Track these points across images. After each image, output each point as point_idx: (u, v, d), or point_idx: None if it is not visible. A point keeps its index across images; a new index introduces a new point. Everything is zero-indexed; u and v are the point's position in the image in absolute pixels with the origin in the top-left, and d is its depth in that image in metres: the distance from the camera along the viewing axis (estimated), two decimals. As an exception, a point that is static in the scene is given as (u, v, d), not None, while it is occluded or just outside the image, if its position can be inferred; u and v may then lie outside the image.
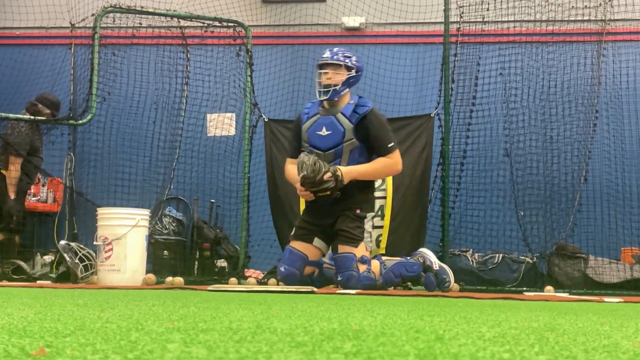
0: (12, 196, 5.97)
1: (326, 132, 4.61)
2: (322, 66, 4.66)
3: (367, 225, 4.69)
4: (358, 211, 4.64)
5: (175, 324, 1.52)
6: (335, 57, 4.64)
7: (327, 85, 4.57)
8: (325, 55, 4.67)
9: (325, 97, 4.58)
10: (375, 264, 4.63)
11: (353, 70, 4.66)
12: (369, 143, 4.60)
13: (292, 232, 4.81)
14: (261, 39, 7.51)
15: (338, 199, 4.60)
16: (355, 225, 4.60)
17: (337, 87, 4.56)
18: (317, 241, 4.71)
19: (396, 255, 5.72)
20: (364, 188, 4.70)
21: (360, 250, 4.59)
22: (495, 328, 1.60)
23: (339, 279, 4.51)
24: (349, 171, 4.48)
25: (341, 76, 4.59)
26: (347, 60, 4.65)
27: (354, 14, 7.56)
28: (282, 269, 4.63)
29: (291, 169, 4.81)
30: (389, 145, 4.56)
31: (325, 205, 4.64)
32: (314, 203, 4.69)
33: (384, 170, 4.65)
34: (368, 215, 4.69)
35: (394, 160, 4.60)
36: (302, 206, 5.04)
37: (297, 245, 4.70)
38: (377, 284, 4.56)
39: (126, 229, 5.19)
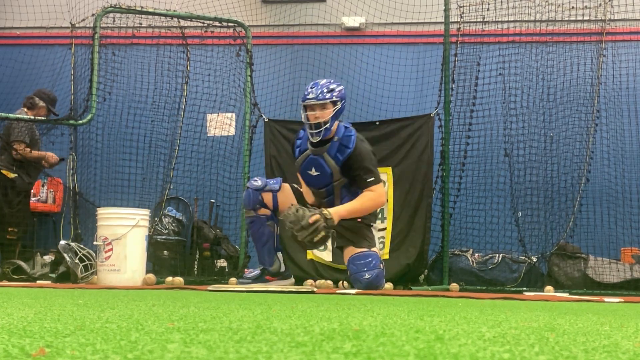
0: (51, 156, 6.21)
1: (315, 173, 4.68)
2: (308, 106, 4.62)
3: (376, 238, 4.88)
4: (359, 220, 4.68)
5: (175, 324, 1.52)
6: (320, 96, 4.58)
7: (317, 125, 4.55)
8: (310, 96, 4.60)
9: (319, 138, 4.59)
10: None
11: (339, 103, 4.63)
12: (351, 180, 4.64)
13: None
14: (261, 39, 7.51)
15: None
16: (366, 230, 4.72)
17: (328, 125, 4.56)
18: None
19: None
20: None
21: (376, 251, 4.73)
22: (495, 328, 1.60)
23: (367, 277, 4.50)
24: (336, 212, 4.45)
25: (328, 112, 4.57)
26: (331, 96, 4.60)
27: (354, 14, 7.56)
28: (255, 182, 4.77)
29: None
30: (368, 181, 4.54)
31: None
32: None
33: (371, 204, 4.59)
34: (372, 226, 4.82)
35: (376, 193, 4.58)
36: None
37: (288, 193, 4.81)
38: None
39: (126, 229, 5.19)
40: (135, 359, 0.95)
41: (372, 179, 4.55)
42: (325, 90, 4.60)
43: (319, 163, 4.64)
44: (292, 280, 5.11)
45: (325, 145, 4.63)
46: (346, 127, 4.69)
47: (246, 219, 4.98)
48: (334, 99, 4.59)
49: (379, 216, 5.90)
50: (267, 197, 4.76)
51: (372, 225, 4.79)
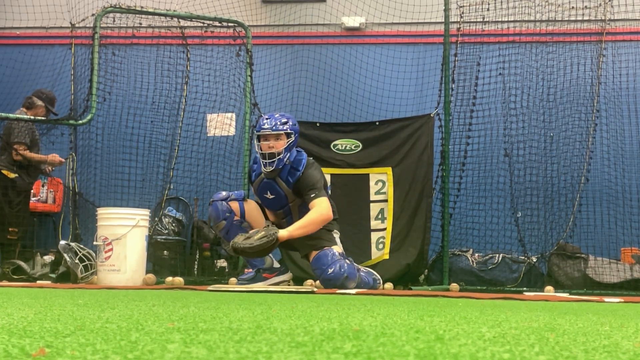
0: (51, 156, 6.16)
1: (271, 196, 4.88)
2: (262, 136, 4.80)
3: (338, 240, 4.89)
4: (321, 227, 4.81)
5: (175, 324, 1.52)
6: (275, 127, 4.77)
7: (270, 155, 4.74)
8: (265, 126, 4.79)
9: (271, 168, 4.77)
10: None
11: (292, 135, 4.83)
12: (300, 198, 4.82)
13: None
14: (261, 39, 7.51)
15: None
16: (325, 232, 4.82)
17: (281, 156, 4.75)
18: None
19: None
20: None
21: (339, 249, 4.77)
22: (495, 328, 1.60)
23: (330, 271, 4.55)
24: (285, 236, 4.58)
25: (282, 143, 4.77)
26: (286, 128, 4.80)
27: (354, 14, 7.56)
28: (219, 195, 5.00)
29: None
30: (311, 196, 4.71)
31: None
32: None
33: (319, 219, 4.70)
34: (334, 232, 4.89)
35: (320, 207, 4.69)
36: None
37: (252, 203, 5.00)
38: (357, 278, 4.71)
39: (126, 229, 5.19)
40: (135, 359, 0.95)
41: (314, 194, 4.71)
42: (279, 123, 4.80)
43: (273, 186, 4.85)
44: (290, 273, 5.15)
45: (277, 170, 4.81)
46: (298, 151, 4.92)
47: (220, 233, 5.08)
48: (288, 130, 4.80)
49: (379, 216, 5.91)
50: (234, 205, 4.99)
51: (332, 231, 4.88)
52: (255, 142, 4.87)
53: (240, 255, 5.07)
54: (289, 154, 4.81)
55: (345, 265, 4.62)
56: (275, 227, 4.64)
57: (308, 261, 4.86)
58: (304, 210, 4.81)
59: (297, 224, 4.68)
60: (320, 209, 4.69)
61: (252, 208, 5.02)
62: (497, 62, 6.58)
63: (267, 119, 4.86)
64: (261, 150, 4.77)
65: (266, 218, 5.01)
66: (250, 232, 4.63)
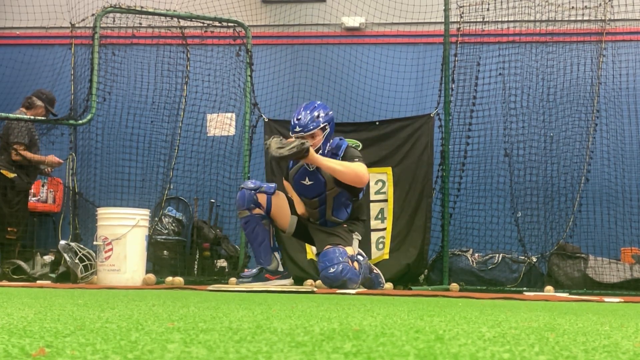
0: (52, 158, 6.20)
1: (309, 182, 4.77)
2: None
3: (355, 242, 4.82)
4: (345, 226, 4.80)
5: (175, 324, 1.52)
6: (307, 128, 4.66)
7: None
8: (297, 129, 4.67)
9: (313, 168, 4.71)
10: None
11: (327, 126, 4.72)
12: (343, 186, 4.72)
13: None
14: (261, 39, 7.51)
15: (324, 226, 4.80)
16: (346, 232, 4.77)
17: (321, 151, 4.68)
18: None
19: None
20: (352, 217, 4.88)
21: (351, 251, 4.69)
22: (495, 328, 1.60)
23: (331, 270, 4.47)
24: (313, 154, 4.51)
25: (319, 137, 4.69)
26: (318, 124, 4.68)
27: (354, 14, 7.56)
28: (250, 184, 4.86)
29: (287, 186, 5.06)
30: (354, 159, 4.67)
31: (311, 228, 4.86)
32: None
33: (351, 173, 4.62)
34: (355, 233, 4.84)
35: (362, 167, 4.66)
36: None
37: (281, 198, 4.86)
38: (359, 281, 4.66)
39: (126, 229, 5.19)
40: (135, 359, 0.95)
41: (357, 159, 4.67)
42: (310, 121, 4.67)
43: (313, 172, 4.74)
44: (292, 280, 5.12)
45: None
46: (340, 139, 4.85)
47: (240, 220, 5.00)
48: (321, 125, 4.69)
49: (379, 216, 5.91)
50: (262, 198, 4.84)
51: (353, 232, 4.83)
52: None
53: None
54: (329, 143, 4.75)
55: (348, 267, 4.53)
56: (308, 143, 4.51)
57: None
58: (339, 200, 4.75)
59: (332, 160, 4.60)
60: (361, 167, 4.63)
61: (279, 204, 4.86)
62: (497, 62, 6.58)
63: (297, 118, 4.72)
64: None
65: (293, 213, 4.90)
66: (285, 141, 4.47)
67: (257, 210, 4.84)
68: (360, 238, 4.89)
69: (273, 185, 4.95)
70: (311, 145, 4.54)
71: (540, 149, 6.47)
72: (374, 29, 7.64)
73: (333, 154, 4.71)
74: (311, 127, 4.65)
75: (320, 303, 2.72)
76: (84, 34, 7.08)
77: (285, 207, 4.89)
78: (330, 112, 4.81)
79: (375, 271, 5.10)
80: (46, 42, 7.75)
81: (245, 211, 4.84)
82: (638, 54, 6.91)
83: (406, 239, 5.83)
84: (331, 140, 4.79)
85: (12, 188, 6.03)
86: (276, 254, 5.00)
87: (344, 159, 4.69)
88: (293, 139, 4.54)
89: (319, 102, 4.90)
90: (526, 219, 6.30)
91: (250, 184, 4.89)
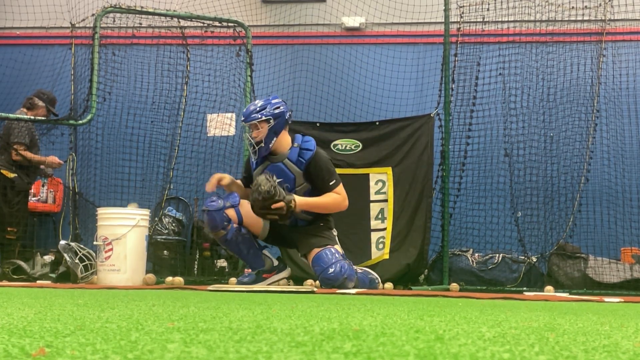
0: (50, 159, 6.18)
1: (278, 180, 4.71)
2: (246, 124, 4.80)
3: (337, 238, 4.86)
4: (322, 224, 4.81)
5: (175, 324, 1.52)
6: (249, 118, 4.71)
7: (257, 142, 4.71)
8: (242, 119, 4.79)
9: (257, 158, 4.75)
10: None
11: (272, 120, 4.70)
12: (313, 184, 4.76)
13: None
14: (261, 39, 7.51)
15: (297, 226, 4.82)
16: (325, 230, 4.80)
17: (263, 144, 4.70)
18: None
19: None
20: (322, 215, 4.88)
21: (340, 249, 4.74)
22: (495, 328, 1.60)
23: (330, 271, 4.50)
24: (301, 203, 4.63)
25: (263, 130, 4.69)
26: (260, 116, 4.69)
27: (354, 14, 7.56)
28: (213, 205, 4.77)
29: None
30: (331, 183, 4.72)
31: (286, 230, 4.86)
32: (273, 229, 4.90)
33: (334, 204, 4.75)
34: (334, 230, 4.87)
35: (341, 196, 4.76)
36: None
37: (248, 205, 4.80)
38: (355, 279, 4.68)
39: (126, 229, 5.19)
40: (135, 359, 0.95)
41: (334, 181, 4.73)
42: (254, 111, 4.72)
43: (280, 169, 4.74)
44: (289, 270, 5.13)
45: (281, 153, 4.74)
46: (304, 135, 4.88)
47: (219, 240, 4.95)
48: (264, 118, 4.68)
49: (379, 216, 5.91)
50: (231, 213, 4.80)
51: (332, 229, 4.86)
52: (245, 133, 4.87)
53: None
54: (275, 139, 4.71)
55: (346, 265, 4.60)
56: (292, 195, 4.58)
57: (307, 259, 4.83)
58: (308, 196, 4.75)
59: (312, 201, 4.67)
60: (341, 199, 4.74)
61: (248, 210, 4.83)
62: (497, 62, 6.58)
63: (246, 108, 4.84)
64: (249, 137, 4.75)
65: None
66: (273, 191, 4.47)
67: (229, 226, 4.82)
68: (336, 234, 4.93)
69: (234, 195, 4.89)
70: (258, 139, 4.65)
71: (540, 149, 6.47)
72: (374, 29, 7.64)
73: (302, 150, 4.72)
74: (253, 117, 4.70)
75: (320, 303, 2.72)
76: (84, 34, 7.08)
77: (253, 214, 4.83)
78: (282, 108, 4.77)
79: (360, 270, 5.10)
80: (46, 42, 7.75)
81: (221, 231, 4.81)
82: (638, 54, 6.91)
83: (406, 239, 5.83)
84: (294, 135, 4.81)
85: (12, 188, 6.04)
86: (265, 252, 5.01)
87: (315, 167, 4.68)
88: (279, 197, 4.52)
89: (277, 98, 4.90)
90: (526, 219, 6.30)
91: (213, 204, 4.78)
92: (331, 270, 4.52)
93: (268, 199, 4.47)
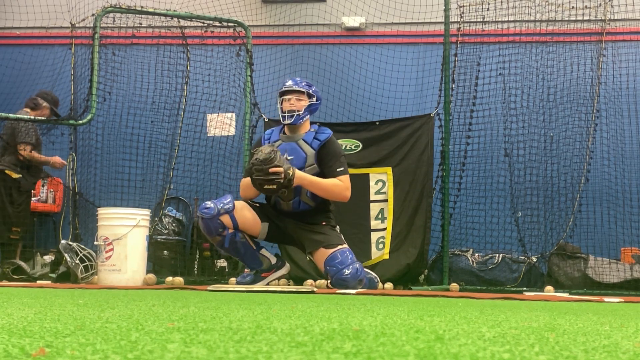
0: (53, 159, 6.20)
1: (288, 158, 4.74)
2: (284, 93, 4.88)
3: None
4: (324, 223, 4.82)
5: (175, 324, 1.52)
6: (298, 85, 4.87)
7: (290, 111, 4.77)
8: (288, 84, 4.90)
9: (290, 121, 4.77)
10: None
11: (314, 98, 4.88)
12: (321, 167, 4.77)
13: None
14: (261, 39, 7.51)
15: (298, 213, 4.81)
16: (331, 229, 4.80)
17: (300, 113, 4.78)
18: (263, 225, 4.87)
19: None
20: (325, 209, 4.89)
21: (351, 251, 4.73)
22: (495, 328, 1.60)
23: (347, 272, 4.50)
24: (300, 176, 4.61)
25: (303, 102, 4.81)
26: (309, 88, 4.88)
27: (354, 14, 7.56)
28: (207, 212, 4.70)
29: (244, 182, 4.94)
30: (338, 170, 4.73)
31: (286, 227, 4.86)
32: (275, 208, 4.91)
33: (334, 189, 4.73)
34: (337, 228, 4.89)
35: (344, 185, 4.75)
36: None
37: (243, 208, 4.79)
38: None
39: (127, 229, 5.19)
40: (135, 359, 0.95)
41: (342, 169, 4.74)
42: (304, 83, 4.91)
43: (293, 147, 4.79)
44: (288, 266, 5.12)
45: (298, 134, 4.80)
46: (320, 125, 4.97)
47: (216, 245, 4.93)
48: (311, 92, 4.87)
49: (379, 216, 5.91)
50: (226, 219, 4.73)
51: (335, 227, 4.86)
52: (278, 105, 4.90)
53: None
54: (307, 116, 4.84)
55: (361, 268, 4.63)
56: (292, 167, 4.57)
57: (312, 257, 4.78)
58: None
59: (313, 178, 4.66)
60: (343, 187, 4.73)
61: (243, 215, 4.78)
62: (497, 62, 6.58)
63: (290, 79, 4.97)
64: (282, 108, 4.80)
65: (264, 220, 4.87)
66: (272, 155, 4.45)
67: (225, 232, 4.78)
68: (339, 230, 4.95)
69: (229, 199, 4.82)
70: (295, 109, 4.72)
71: (540, 149, 6.47)
72: (374, 29, 7.64)
73: (319, 133, 4.79)
74: (303, 86, 4.85)
75: (320, 303, 2.72)
76: (84, 34, 7.08)
77: (249, 217, 4.80)
78: (320, 99, 4.99)
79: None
80: (46, 42, 7.75)
81: (217, 237, 4.78)
82: (638, 54, 6.91)
83: (406, 239, 5.83)
84: (312, 129, 4.84)
85: (17, 188, 6.05)
86: (263, 251, 5.00)
87: (328, 149, 4.74)
88: (277, 162, 4.49)
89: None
90: (526, 219, 6.30)
91: (207, 212, 4.71)
92: (347, 272, 4.52)
93: (267, 162, 4.44)
